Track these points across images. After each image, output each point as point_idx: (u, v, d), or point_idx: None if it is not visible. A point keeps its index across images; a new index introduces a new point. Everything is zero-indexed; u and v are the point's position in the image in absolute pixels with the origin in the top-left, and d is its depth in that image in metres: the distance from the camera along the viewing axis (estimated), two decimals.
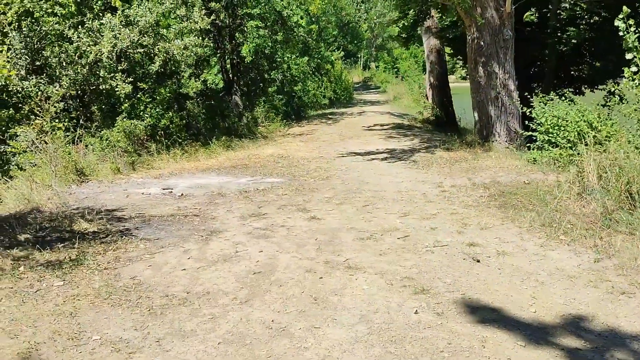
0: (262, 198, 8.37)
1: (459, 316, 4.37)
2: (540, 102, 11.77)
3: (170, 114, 14.44)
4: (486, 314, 4.44)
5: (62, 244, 6.12)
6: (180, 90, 15.04)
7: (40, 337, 4.04)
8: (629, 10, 10.03)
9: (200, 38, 15.01)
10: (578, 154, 9.09)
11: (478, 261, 5.59)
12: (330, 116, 23.68)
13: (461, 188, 8.64)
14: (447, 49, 22.57)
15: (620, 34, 10.15)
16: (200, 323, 4.27)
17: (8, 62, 9.50)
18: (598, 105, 11.20)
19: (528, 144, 13.06)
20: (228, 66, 20.82)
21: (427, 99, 22.64)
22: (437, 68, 21.70)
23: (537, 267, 5.44)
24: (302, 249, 5.97)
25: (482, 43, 13.17)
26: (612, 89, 11.78)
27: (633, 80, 10.07)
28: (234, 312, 4.45)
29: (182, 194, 8.74)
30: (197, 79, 15.89)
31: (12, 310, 4.47)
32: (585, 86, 18.95)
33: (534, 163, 10.50)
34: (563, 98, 11.73)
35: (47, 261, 5.59)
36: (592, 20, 16.55)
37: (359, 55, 61.91)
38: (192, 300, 4.68)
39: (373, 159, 11.96)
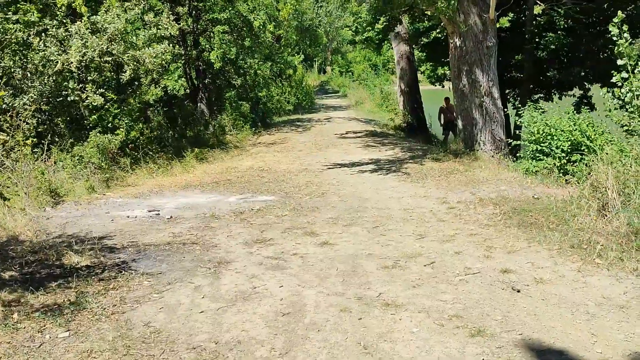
0: (261, 220, 7.81)
1: None
2: (529, 111, 11.56)
3: (140, 125, 13.75)
4: (553, 358, 4.03)
5: (56, 283, 5.47)
6: (143, 98, 14.32)
7: None
8: (624, 16, 9.87)
9: (171, 45, 14.30)
10: (586, 165, 8.85)
11: (518, 291, 5.19)
12: (297, 123, 23.19)
13: (469, 204, 8.27)
14: (419, 55, 22.39)
15: (614, 39, 9.98)
16: None
17: None
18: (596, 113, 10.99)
19: (516, 153, 12.87)
20: (193, 73, 20.11)
21: (398, 105, 22.38)
22: (408, 74, 21.47)
23: (582, 296, 5.07)
24: (326, 282, 5.46)
25: (465, 50, 12.90)
26: (604, 95, 11.60)
27: (623, 86, 9.93)
28: None
29: (171, 217, 8.12)
30: (157, 86, 15.20)
31: None
32: (555, 92, 19.00)
33: (533, 174, 10.24)
34: (537, 107, 11.56)
35: (43, 305, 4.95)
36: (568, 26, 16.52)
37: (315, 59, 61.66)
38: (225, 354, 4.12)
39: (362, 171, 11.51)
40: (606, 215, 6.91)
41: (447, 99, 18.30)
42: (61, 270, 5.85)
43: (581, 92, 17.93)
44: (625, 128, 10.11)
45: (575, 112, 11.56)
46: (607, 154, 7.80)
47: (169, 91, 18.80)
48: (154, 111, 16.53)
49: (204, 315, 4.79)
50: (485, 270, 5.68)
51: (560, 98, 19.00)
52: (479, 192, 9.03)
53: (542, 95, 18.92)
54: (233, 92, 21.77)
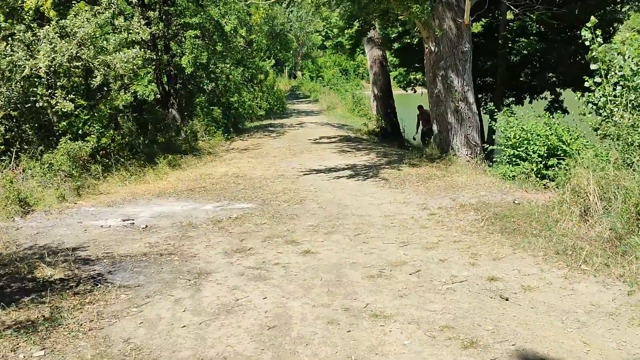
0: (239, 229, 7.63)
1: None
2: (504, 116, 11.57)
3: (111, 131, 13.44)
4: None
5: (28, 298, 5.22)
6: (113, 104, 13.99)
7: None
8: (597, 21, 9.92)
9: (143, 50, 14.01)
10: (564, 169, 8.86)
11: (507, 299, 5.11)
12: (270, 128, 23.00)
13: (449, 210, 8.19)
14: (392, 59, 22.40)
15: (587, 44, 10.02)
16: None
17: None
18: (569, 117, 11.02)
19: (491, 158, 12.88)
20: (164, 78, 19.80)
21: (372, 110, 22.34)
22: (381, 79, 21.44)
23: (571, 304, 5.01)
24: (311, 293, 5.31)
25: (440, 55, 12.88)
26: (579, 98, 11.60)
27: (594, 91, 9.97)
28: None
29: (146, 226, 7.89)
30: (127, 91, 14.89)
31: None
32: (526, 95, 19.15)
33: (510, 179, 10.23)
34: (512, 112, 11.59)
35: (15, 322, 4.71)
36: (541, 31, 16.66)
37: (285, 64, 61.57)
38: None
39: (339, 177, 11.39)
40: (588, 221, 6.89)
41: (420, 107, 18.29)
42: (34, 284, 5.60)
43: (552, 96, 18.08)
44: (600, 132, 10.18)
45: (550, 116, 11.60)
46: (585, 159, 7.77)
47: (138, 96, 18.45)
48: (123, 117, 16.21)
49: (186, 330, 4.61)
50: (472, 278, 5.59)
51: (530, 102, 19.17)
52: (458, 197, 8.97)
53: (513, 99, 19.05)
54: (204, 97, 21.51)
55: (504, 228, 7.11)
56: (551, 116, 11.45)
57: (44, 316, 4.81)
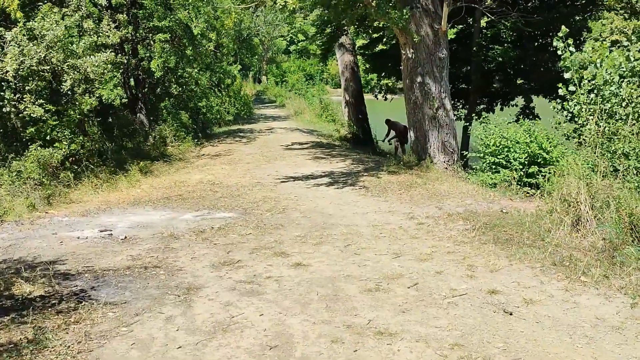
0: (224, 240, 7.36)
1: None
2: (483, 123, 11.56)
3: (81, 137, 13.00)
4: None
5: (8, 317, 4.88)
6: (82, 109, 13.53)
7: None
8: (567, 30, 9.97)
9: (112, 53, 13.61)
10: (545, 177, 8.83)
11: (511, 314, 4.99)
12: (240, 134, 22.67)
13: (437, 219, 8.07)
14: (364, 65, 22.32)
15: (559, 53, 10.07)
16: None
17: None
18: (549, 125, 11.03)
19: (466, 165, 12.88)
20: (132, 82, 19.33)
21: (344, 116, 22.21)
22: (352, 85, 21.33)
23: (576, 318, 4.91)
24: (309, 309, 5.09)
25: (417, 62, 12.81)
26: (554, 108, 11.63)
27: (570, 100, 10.03)
28: None
29: (125, 237, 7.56)
30: (92, 95, 14.44)
31: None
32: (497, 102, 19.29)
33: (491, 186, 10.18)
34: (487, 119, 11.60)
35: None
36: (514, 38, 16.76)
37: (250, 69, 61.21)
38: None
39: (317, 185, 11.19)
40: (580, 230, 6.84)
41: (388, 121, 18.14)
42: (12, 302, 5.26)
43: (524, 102, 18.23)
44: (575, 140, 10.23)
45: (530, 123, 11.61)
46: (574, 167, 7.72)
47: (103, 101, 17.91)
48: (88, 122, 15.72)
49: (182, 351, 4.35)
50: (472, 292, 5.46)
51: (501, 109, 19.32)
52: (444, 206, 8.86)
53: (484, 105, 19.16)
54: (170, 101, 21.08)
55: (496, 238, 7.00)
56: (531, 122, 11.45)
57: (27, 338, 4.49)
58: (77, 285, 5.74)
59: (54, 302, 5.29)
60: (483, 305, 5.16)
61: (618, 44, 10.68)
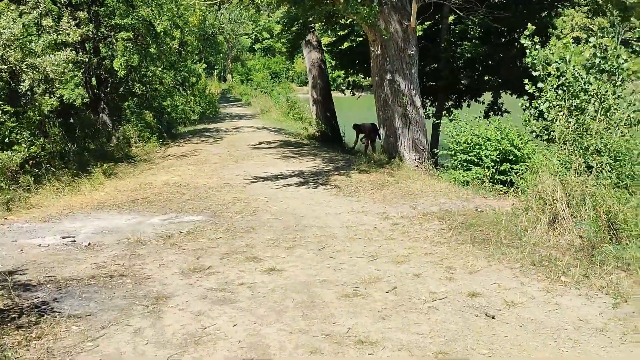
0: (193, 244, 7.09)
1: None
2: (454, 120, 11.48)
3: (41, 139, 12.54)
4: None
5: None
6: (42, 110, 13.06)
7: None
8: (534, 28, 9.92)
9: (73, 52, 13.16)
10: (517, 174, 8.75)
11: (493, 317, 4.85)
12: (206, 133, 22.29)
13: (412, 219, 7.92)
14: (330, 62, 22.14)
15: (527, 51, 10.01)
16: None
17: None
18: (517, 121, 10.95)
19: (436, 162, 12.80)
20: (94, 82, 18.81)
21: (312, 114, 22.00)
22: (320, 83, 21.13)
23: (559, 320, 4.80)
24: (284, 317, 4.87)
25: (387, 59, 12.67)
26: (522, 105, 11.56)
27: (539, 97, 9.98)
28: None
29: (89, 244, 7.23)
30: (52, 96, 13.97)
31: None
32: (465, 98, 19.29)
33: (463, 184, 10.09)
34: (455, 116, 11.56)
35: None
36: (482, 35, 16.74)
37: (215, 67, 60.61)
38: None
39: (288, 185, 10.96)
40: (557, 229, 6.75)
41: (354, 126, 17.91)
42: None
43: (492, 99, 18.26)
44: (545, 137, 10.19)
45: (499, 119, 11.57)
46: (549, 164, 7.63)
47: (64, 101, 17.37)
48: (49, 123, 15.22)
49: None
50: (452, 295, 5.31)
51: (468, 105, 19.33)
52: (418, 205, 8.72)
53: (452, 102, 19.15)
54: (134, 100, 20.62)
55: (473, 238, 6.87)
56: (501, 119, 11.40)
57: None
58: (38, 297, 5.42)
59: (13, 316, 4.97)
60: (464, 309, 5.01)
61: (579, 41, 10.69)
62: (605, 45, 9.49)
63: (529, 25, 9.97)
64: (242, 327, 4.70)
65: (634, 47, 9.90)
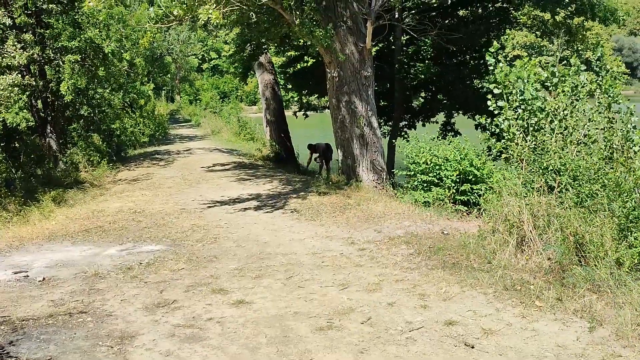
0: (155, 277, 6.80)
1: None
2: (412, 141, 11.49)
3: None
4: None
5: None
6: None
7: None
8: (499, 45, 10.03)
9: (19, 75, 12.71)
10: (479, 195, 8.76)
11: (472, 347, 4.75)
12: (157, 156, 21.85)
13: (379, 244, 7.81)
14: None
15: (491, 68, 10.11)
16: None
17: None
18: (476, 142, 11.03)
19: (402, 184, 12.77)
20: (39, 105, 18.20)
21: (265, 135, 21.83)
22: (273, 104, 21.01)
23: (538, 347, 4.74)
24: (258, 355, 4.66)
25: (343, 81, 12.64)
26: (481, 122, 11.67)
27: (499, 114, 10.07)
28: None
29: (43, 279, 6.86)
30: None
31: None
32: (419, 119, 19.46)
33: (424, 205, 10.06)
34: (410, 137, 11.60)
35: None
36: (435, 55, 16.93)
37: (163, 88, 59.81)
38: None
39: (245, 209, 10.74)
40: (525, 251, 6.74)
41: (308, 146, 17.80)
42: None
43: (445, 119, 18.46)
44: (504, 156, 10.27)
45: (456, 139, 11.63)
46: (512, 185, 7.64)
47: (8, 125, 16.73)
48: None
49: None
50: (429, 324, 5.19)
51: (423, 125, 19.48)
52: (383, 229, 8.62)
53: (406, 122, 19.27)
54: (81, 123, 20.05)
55: (443, 263, 6.80)
56: (459, 140, 11.45)
57: None
58: None
59: None
60: (442, 338, 4.90)
61: (520, 57, 10.83)
62: (547, 62, 9.68)
63: (494, 43, 10.06)
64: None
65: (585, 67, 10.08)
